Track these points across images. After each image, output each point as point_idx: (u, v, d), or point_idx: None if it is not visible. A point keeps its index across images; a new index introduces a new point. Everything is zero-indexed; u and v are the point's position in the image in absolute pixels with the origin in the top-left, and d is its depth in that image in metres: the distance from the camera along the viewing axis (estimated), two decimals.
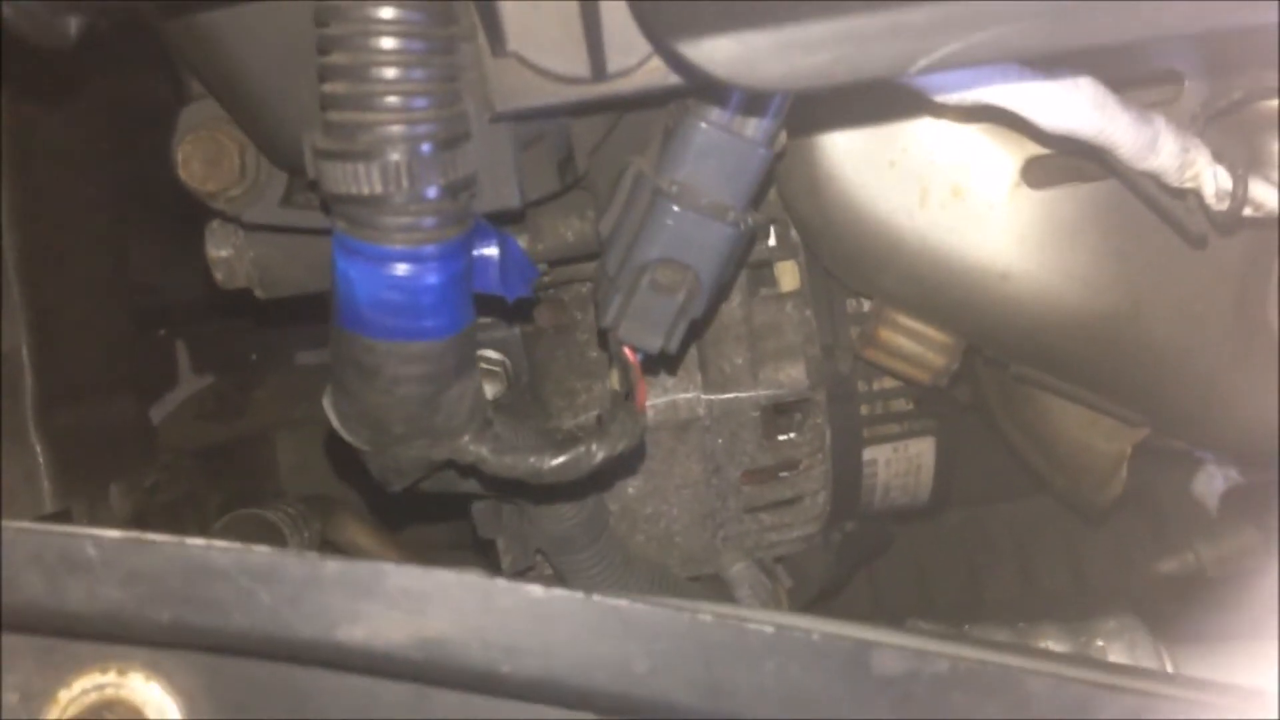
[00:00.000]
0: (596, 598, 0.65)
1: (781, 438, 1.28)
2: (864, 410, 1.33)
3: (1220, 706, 0.65)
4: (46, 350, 1.40)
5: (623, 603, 0.65)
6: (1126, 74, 1.03)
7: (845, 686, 0.64)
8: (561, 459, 0.87)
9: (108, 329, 1.57)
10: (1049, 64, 0.86)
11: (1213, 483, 1.64)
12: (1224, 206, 0.94)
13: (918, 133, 1.09)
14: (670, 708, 0.65)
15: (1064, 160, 1.08)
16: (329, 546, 1.63)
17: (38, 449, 1.37)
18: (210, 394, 1.93)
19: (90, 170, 1.54)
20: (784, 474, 1.29)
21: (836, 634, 0.65)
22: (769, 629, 0.64)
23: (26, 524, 0.64)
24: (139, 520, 1.52)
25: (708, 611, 0.65)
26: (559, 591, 0.65)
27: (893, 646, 0.64)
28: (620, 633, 0.64)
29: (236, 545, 0.64)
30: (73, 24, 0.69)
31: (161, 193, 0.96)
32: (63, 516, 1.37)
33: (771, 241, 1.26)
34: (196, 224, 1.04)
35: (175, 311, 1.93)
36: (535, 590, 0.65)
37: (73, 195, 1.50)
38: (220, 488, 1.77)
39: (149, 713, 0.69)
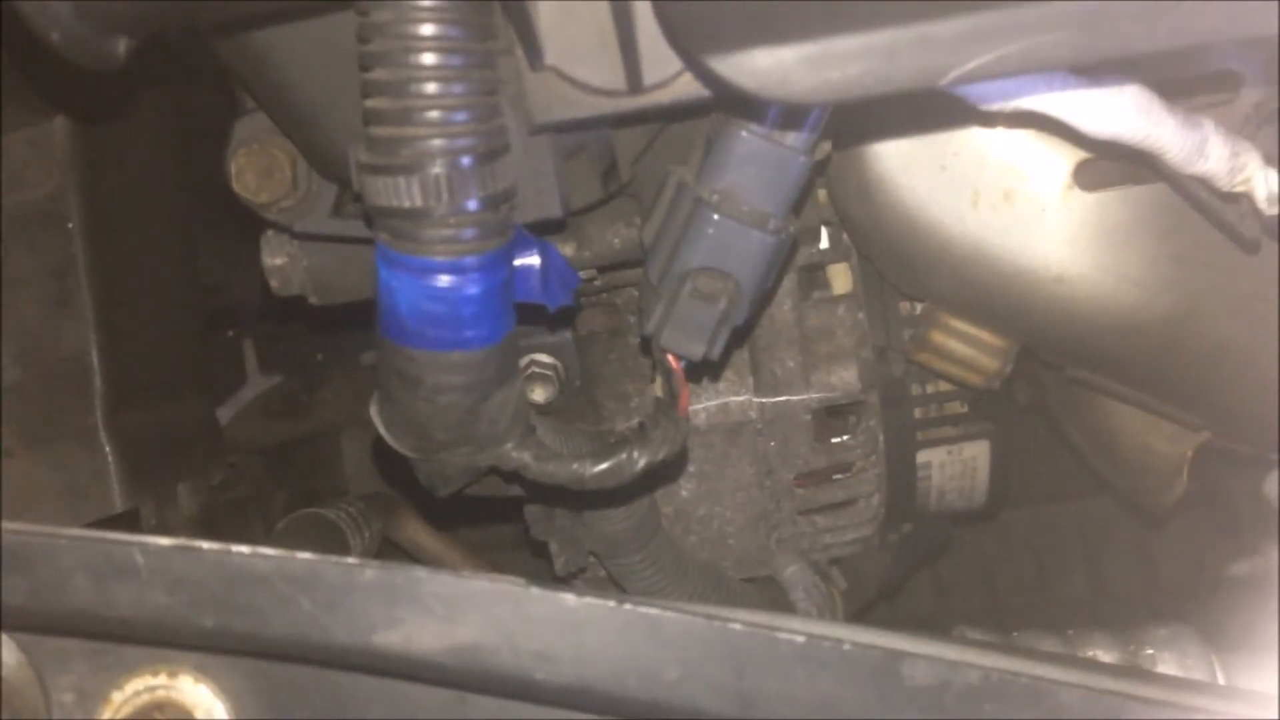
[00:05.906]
0: (628, 605, 0.65)
1: (835, 440, 1.27)
2: (917, 413, 1.33)
3: None
4: (115, 351, 1.43)
5: (653, 610, 0.65)
6: (1183, 76, 1.01)
7: (876, 696, 0.64)
8: (603, 466, 0.88)
9: (176, 330, 1.61)
10: (1093, 70, 0.85)
11: None
12: (1276, 210, 0.93)
13: (968, 136, 1.09)
14: (701, 716, 0.65)
15: (1117, 162, 1.07)
16: (390, 545, 1.66)
17: (107, 449, 1.40)
18: (277, 394, 1.96)
19: (158, 175, 1.57)
20: (837, 476, 1.29)
21: (868, 643, 0.65)
22: (799, 638, 0.64)
23: (76, 530, 0.66)
24: (206, 519, 1.55)
25: (738, 620, 0.65)
26: (591, 600, 0.66)
27: (924, 657, 0.64)
28: (651, 640, 0.65)
29: (279, 552, 0.66)
30: (121, 45, 0.71)
31: (227, 196, 0.98)
32: (131, 515, 1.40)
33: (824, 244, 1.25)
34: (263, 226, 1.06)
35: (243, 313, 1.97)
36: (567, 598, 0.66)
37: (141, 199, 1.53)
38: (286, 486, 1.80)
39: (198, 713, 0.70)
